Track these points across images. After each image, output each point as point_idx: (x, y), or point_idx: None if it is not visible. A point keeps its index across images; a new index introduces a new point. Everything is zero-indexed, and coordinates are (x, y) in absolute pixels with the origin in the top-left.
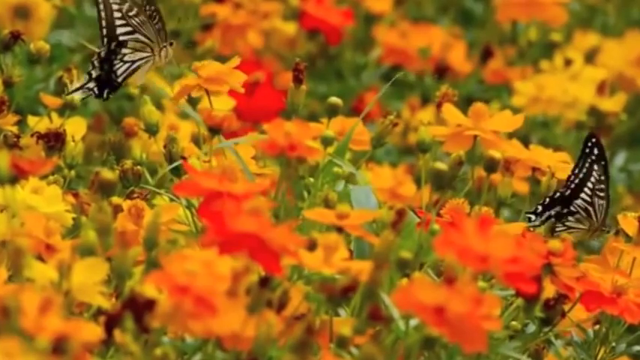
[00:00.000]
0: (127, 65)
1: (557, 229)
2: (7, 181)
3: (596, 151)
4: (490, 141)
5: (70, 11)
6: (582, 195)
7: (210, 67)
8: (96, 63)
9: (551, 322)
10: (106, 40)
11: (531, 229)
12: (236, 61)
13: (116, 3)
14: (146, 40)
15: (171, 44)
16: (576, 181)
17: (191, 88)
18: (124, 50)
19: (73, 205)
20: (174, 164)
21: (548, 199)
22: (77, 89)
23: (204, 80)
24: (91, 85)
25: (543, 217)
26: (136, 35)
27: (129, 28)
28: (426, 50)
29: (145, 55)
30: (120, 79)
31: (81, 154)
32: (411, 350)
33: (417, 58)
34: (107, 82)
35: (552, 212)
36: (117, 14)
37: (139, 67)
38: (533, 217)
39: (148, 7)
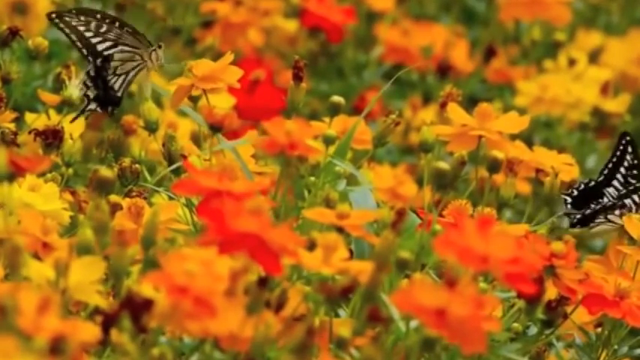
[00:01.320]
0: (122, 78)
1: (597, 221)
2: (4, 179)
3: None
4: (495, 141)
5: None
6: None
7: (205, 65)
8: (88, 83)
9: (552, 325)
10: (90, 57)
11: (574, 219)
12: (230, 57)
13: (81, 25)
14: (131, 49)
15: (159, 46)
16: (606, 172)
17: (186, 87)
18: (113, 64)
19: (70, 203)
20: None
21: (583, 186)
22: (79, 114)
23: (199, 79)
24: (93, 106)
25: (586, 212)
26: (119, 47)
27: (109, 43)
28: (428, 49)
29: (135, 63)
30: (119, 94)
31: (79, 152)
32: (411, 352)
33: (419, 57)
34: (108, 100)
35: (598, 206)
36: (88, 34)
37: (134, 77)
38: (569, 199)
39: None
